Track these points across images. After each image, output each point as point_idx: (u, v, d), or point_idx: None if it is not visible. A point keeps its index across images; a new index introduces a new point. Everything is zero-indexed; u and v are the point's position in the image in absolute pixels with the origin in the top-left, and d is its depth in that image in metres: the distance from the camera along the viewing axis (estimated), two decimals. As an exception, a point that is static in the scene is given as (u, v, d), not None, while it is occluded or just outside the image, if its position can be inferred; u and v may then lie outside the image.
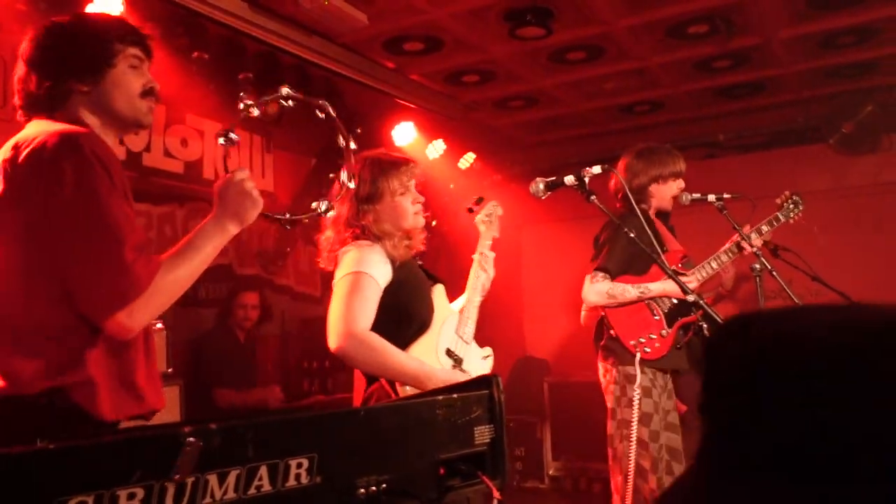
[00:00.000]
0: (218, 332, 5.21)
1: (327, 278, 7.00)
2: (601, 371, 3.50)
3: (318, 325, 6.27)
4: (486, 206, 2.88)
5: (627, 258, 3.38)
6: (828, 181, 6.34)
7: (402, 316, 2.55)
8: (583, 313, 3.81)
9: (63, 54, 1.88)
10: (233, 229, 1.87)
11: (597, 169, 2.38)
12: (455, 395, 1.44)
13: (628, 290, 3.36)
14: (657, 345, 3.36)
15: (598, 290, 3.35)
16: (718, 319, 1.90)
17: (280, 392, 5.19)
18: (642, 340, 3.34)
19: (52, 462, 0.94)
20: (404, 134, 5.90)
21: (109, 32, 1.93)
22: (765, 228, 3.65)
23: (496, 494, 1.41)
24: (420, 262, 2.78)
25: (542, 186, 2.35)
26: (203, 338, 5.12)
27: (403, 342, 2.50)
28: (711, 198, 3.48)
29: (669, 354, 3.39)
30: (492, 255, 2.84)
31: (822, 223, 4.75)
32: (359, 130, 5.82)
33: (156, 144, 4.89)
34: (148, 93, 1.98)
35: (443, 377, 2.41)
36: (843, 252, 5.66)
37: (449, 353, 2.64)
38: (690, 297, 1.95)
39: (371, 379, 2.50)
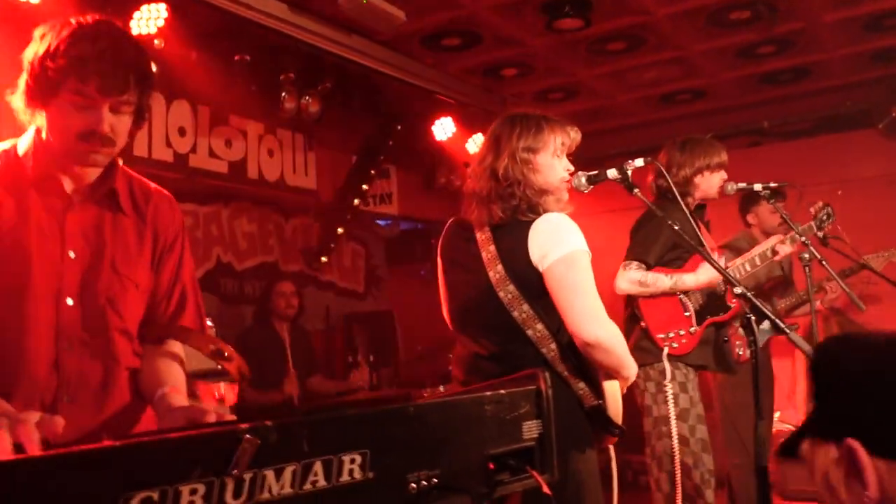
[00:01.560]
0: (259, 330, 5.22)
1: (371, 274, 7.03)
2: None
3: (363, 320, 6.37)
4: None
5: (666, 251, 3.36)
6: (877, 167, 6.19)
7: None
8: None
9: (26, 66, 1.67)
10: None
11: (639, 161, 2.36)
12: (503, 391, 1.45)
13: (662, 280, 3.33)
14: (684, 341, 3.35)
15: (630, 277, 3.32)
16: (767, 313, 1.88)
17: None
18: (671, 335, 3.34)
19: (116, 460, 0.97)
20: (444, 129, 5.92)
21: (59, 58, 1.61)
22: (798, 237, 3.60)
23: (545, 489, 1.42)
24: None
25: (584, 180, 2.33)
26: (244, 336, 5.16)
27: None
28: (758, 187, 3.43)
29: (695, 351, 3.37)
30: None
31: (871, 210, 4.66)
32: (399, 127, 5.87)
33: (201, 145, 4.99)
34: (88, 136, 1.65)
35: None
36: (893, 239, 5.52)
37: None
38: (738, 290, 1.93)
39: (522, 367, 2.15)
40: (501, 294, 2.26)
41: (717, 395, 4.50)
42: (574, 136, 2.40)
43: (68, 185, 1.74)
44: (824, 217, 3.74)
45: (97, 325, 1.73)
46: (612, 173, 2.30)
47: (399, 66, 5.18)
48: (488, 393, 1.43)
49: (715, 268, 2.10)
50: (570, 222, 2.26)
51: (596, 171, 2.33)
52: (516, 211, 2.29)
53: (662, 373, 3.28)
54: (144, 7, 3.70)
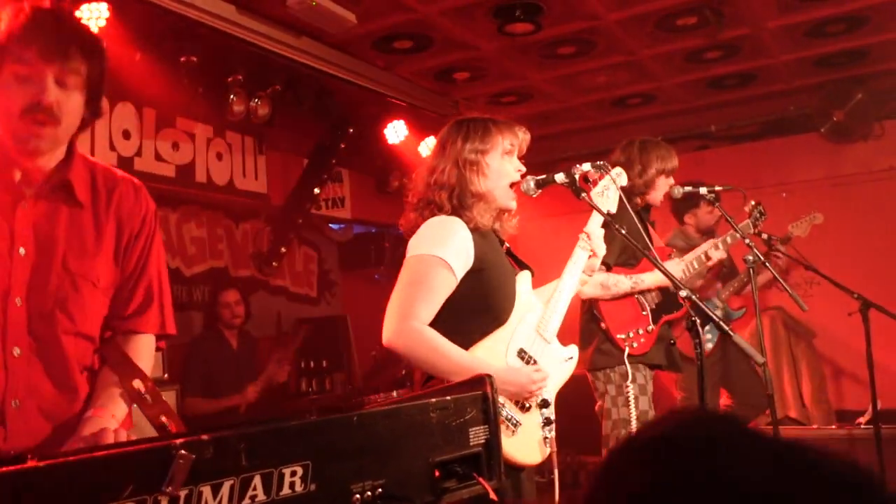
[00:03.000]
0: (208, 338, 5.14)
1: (323, 279, 6.98)
2: (592, 381, 3.48)
3: (315, 325, 6.29)
4: (607, 176, 2.53)
5: (622, 251, 3.40)
6: (820, 170, 6.36)
7: (478, 304, 2.23)
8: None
9: None
10: None
11: (587, 166, 2.37)
12: (448, 397, 1.44)
13: (622, 282, 3.38)
14: (643, 340, 3.40)
15: (593, 281, 3.35)
16: (710, 314, 1.90)
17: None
18: (630, 335, 3.38)
19: (39, 479, 0.93)
20: (397, 132, 5.90)
21: (4, 27, 1.59)
22: (729, 240, 3.68)
23: (492, 495, 1.41)
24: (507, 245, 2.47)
25: (532, 184, 2.34)
26: (193, 344, 5.06)
27: (471, 336, 2.21)
28: (703, 190, 3.49)
29: (653, 350, 3.42)
30: (601, 232, 2.50)
31: (815, 211, 4.78)
32: (351, 129, 5.83)
33: (147, 149, 4.88)
34: (31, 109, 1.59)
35: (504, 377, 2.13)
36: (837, 240, 5.67)
37: (521, 353, 2.29)
38: (683, 292, 1.95)
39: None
40: None
41: (677, 395, 4.59)
42: (523, 136, 2.38)
43: (18, 178, 1.66)
44: (757, 215, 3.84)
45: (45, 327, 1.65)
46: (559, 177, 2.31)
47: (350, 68, 5.15)
48: (434, 399, 1.42)
49: (661, 271, 2.12)
50: (443, 226, 2.21)
51: (544, 176, 2.34)
52: (430, 216, 2.26)
53: (624, 375, 3.31)
54: (85, 6, 3.60)
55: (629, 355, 3.33)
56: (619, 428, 3.33)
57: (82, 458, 0.97)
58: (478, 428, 1.47)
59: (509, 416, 2.21)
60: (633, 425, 3.26)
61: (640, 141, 3.63)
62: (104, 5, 3.62)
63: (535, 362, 2.29)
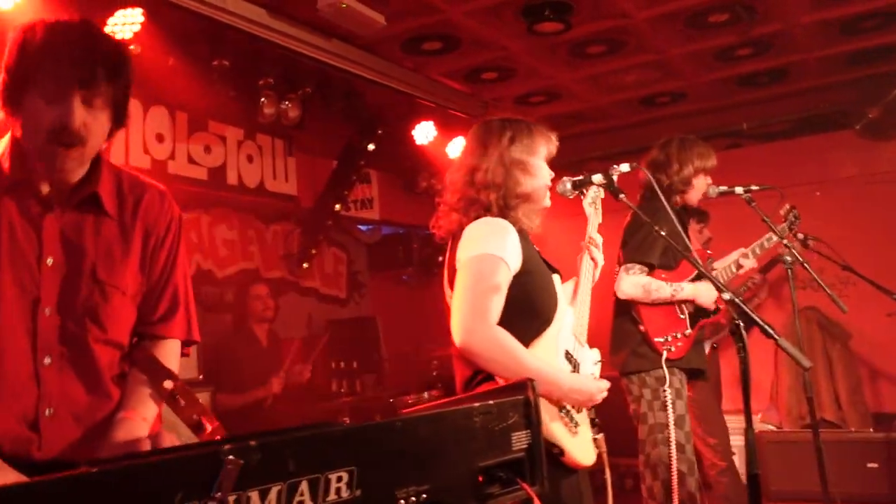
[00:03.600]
0: (238, 335, 5.19)
1: (352, 280, 6.99)
2: (626, 384, 3.43)
3: (345, 326, 6.32)
4: (592, 189, 2.52)
5: (662, 253, 3.36)
6: (855, 167, 6.25)
7: (527, 308, 2.20)
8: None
9: (2, 65, 1.63)
10: None
11: (625, 167, 2.34)
12: (491, 402, 1.43)
13: (663, 289, 3.33)
14: (680, 344, 3.36)
15: (635, 281, 3.31)
16: (755, 317, 1.87)
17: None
18: (668, 339, 3.34)
19: (94, 487, 0.93)
20: (425, 133, 5.89)
21: (27, 51, 1.58)
22: (758, 251, 3.63)
23: (536, 501, 1.40)
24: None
25: (569, 186, 2.31)
26: (223, 342, 5.11)
27: (522, 340, 2.14)
28: (739, 190, 3.44)
29: (689, 354, 3.39)
30: (600, 239, 2.50)
31: (849, 210, 4.70)
32: (380, 131, 5.84)
33: (179, 152, 4.93)
34: (58, 132, 1.57)
35: (568, 384, 2.14)
36: (872, 239, 5.58)
37: (567, 356, 2.27)
38: (726, 296, 1.91)
39: (478, 375, 2.19)
40: (448, 300, 2.23)
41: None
42: (554, 145, 2.35)
43: (46, 189, 1.67)
44: (792, 219, 3.77)
45: (77, 336, 1.66)
46: (597, 178, 2.28)
47: (379, 70, 5.16)
48: (476, 404, 1.41)
49: (705, 275, 2.09)
50: (496, 227, 2.18)
51: (581, 177, 2.31)
52: (476, 217, 2.22)
53: (660, 379, 3.27)
54: (120, 12, 3.64)
55: (666, 359, 3.29)
56: (655, 432, 3.29)
57: (134, 465, 0.97)
58: (520, 433, 1.46)
59: (572, 418, 2.19)
60: (671, 430, 3.22)
61: (679, 139, 3.58)
62: (138, 10, 3.66)
63: (578, 364, 2.28)
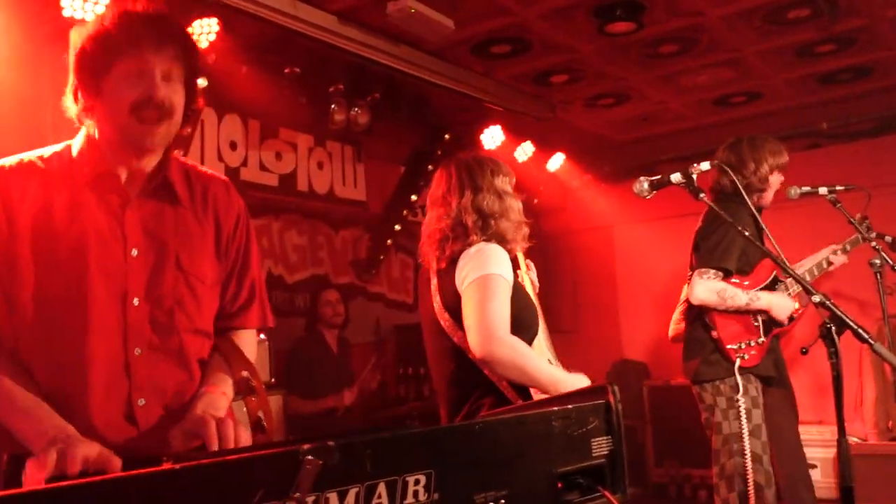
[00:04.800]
0: (309, 340, 5.25)
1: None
2: (698, 392, 3.34)
3: (412, 331, 6.34)
4: None
5: (739, 257, 3.26)
6: (945, 167, 5.94)
7: (520, 322, 2.39)
8: (672, 326, 3.67)
9: (72, 62, 1.67)
10: None
11: (705, 165, 2.27)
12: (571, 406, 1.38)
13: (739, 296, 3.23)
14: (753, 352, 3.26)
15: (710, 287, 3.21)
16: (848, 321, 1.77)
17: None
18: (742, 346, 3.24)
19: (176, 484, 0.93)
20: (493, 137, 5.87)
21: (105, 35, 1.63)
22: (849, 248, 3.47)
23: (619, 510, 1.35)
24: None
25: (646, 185, 2.26)
26: (295, 346, 5.18)
27: None
28: (823, 190, 3.31)
29: (763, 362, 3.29)
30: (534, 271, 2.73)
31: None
32: (447, 136, 5.84)
33: (252, 159, 5.03)
34: (143, 105, 1.62)
35: (571, 382, 2.30)
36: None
37: (549, 363, 2.48)
38: (816, 298, 1.83)
39: (475, 387, 2.38)
40: (442, 322, 2.41)
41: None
42: (513, 175, 2.58)
43: (124, 177, 1.70)
44: (866, 227, 3.59)
45: (166, 326, 1.68)
46: (676, 178, 2.22)
47: (447, 74, 5.16)
48: (556, 408, 1.37)
49: (794, 278, 2.00)
50: (500, 251, 2.38)
51: (659, 177, 2.26)
52: (471, 244, 2.40)
53: (734, 387, 3.16)
54: (196, 22, 3.73)
55: (739, 367, 3.19)
56: (730, 443, 3.18)
57: (215, 462, 0.97)
58: (601, 438, 1.41)
59: None
60: (746, 439, 3.10)
61: (748, 137, 3.47)
62: (214, 20, 3.74)
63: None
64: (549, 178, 6.76)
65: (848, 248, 3.49)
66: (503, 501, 1.22)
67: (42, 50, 3.67)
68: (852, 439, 5.36)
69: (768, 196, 3.42)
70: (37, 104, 3.60)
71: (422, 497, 1.12)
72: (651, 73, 5.59)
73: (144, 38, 1.62)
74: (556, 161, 6.66)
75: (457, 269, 2.38)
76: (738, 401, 3.14)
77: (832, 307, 1.79)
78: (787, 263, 2.01)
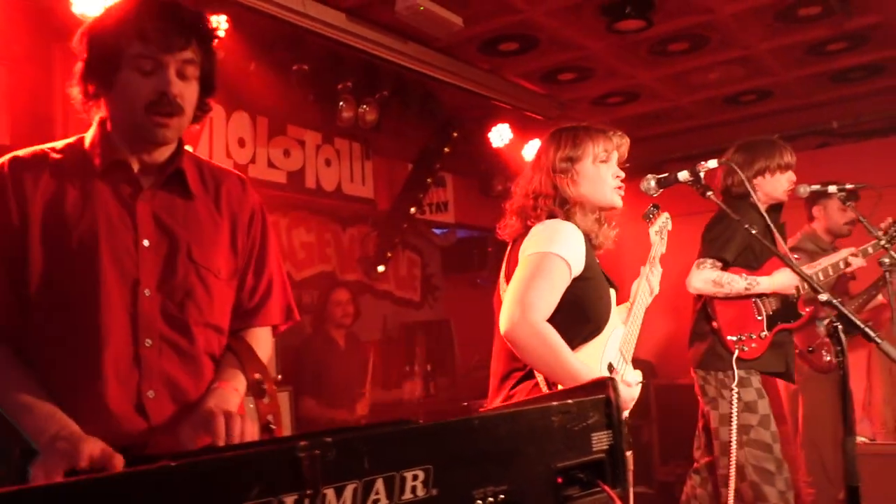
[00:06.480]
0: (317, 339, 5.25)
1: (426, 283, 7.04)
2: (700, 381, 3.37)
3: (419, 329, 6.35)
4: (660, 218, 2.58)
5: (741, 250, 3.27)
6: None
7: (580, 312, 2.24)
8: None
9: (84, 57, 1.67)
10: None
11: (712, 163, 2.27)
12: (570, 401, 1.38)
13: (736, 281, 3.24)
14: (754, 345, 3.27)
15: (704, 277, 3.24)
16: (856, 320, 1.76)
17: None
18: (742, 338, 3.25)
19: (173, 481, 0.93)
20: (501, 135, 5.86)
21: (118, 28, 1.62)
22: (870, 250, 3.46)
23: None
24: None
25: (653, 183, 2.26)
26: (303, 345, 5.19)
27: (570, 342, 2.18)
28: (832, 189, 3.29)
29: (765, 356, 3.30)
30: (660, 270, 2.56)
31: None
32: (455, 134, 5.83)
33: (260, 156, 5.04)
34: (157, 102, 1.62)
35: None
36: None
37: (610, 368, 2.29)
38: (823, 296, 1.82)
39: (515, 372, 2.25)
40: (501, 294, 2.26)
41: (791, 408, 4.33)
42: (618, 141, 2.35)
43: (136, 167, 1.69)
44: (894, 233, 3.57)
45: (176, 318, 1.67)
46: (683, 175, 2.22)
47: (455, 72, 5.15)
48: (555, 403, 1.36)
49: (799, 275, 1.99)
50: (561, 227, 2.22)
51: (666, 174, 2.25)
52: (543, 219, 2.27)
53: (741, 380, 3.19)
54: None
55: (738, 358, 3.21)
56: (740, 434, 3.21)
57: (213, 459, 0.98)
58: (600, 433, 1.40)
59: None
60: (734, 430, 3.12)
61: (744, 142, 3.52)
62: (223, 17, 3.75)
63: (621, 379, 2.27)
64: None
65: (870, 250, 3.49)
66: (502, 497, 1.21)
67: (53, 45, 3.69)
68: (861, 439, 5.35)
69: (765, 195, 3.41)
70: (48, 99, 3.62)
71: (420, 493, 1.12)
72: (660, 71, 5.56)
73: (161, 32, 1.61)
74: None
75: (522, 245, 2.26)
76: (737, 392, 3.16)
77: (839, 306, 1.78)
78: (794, 261, 2.00)
